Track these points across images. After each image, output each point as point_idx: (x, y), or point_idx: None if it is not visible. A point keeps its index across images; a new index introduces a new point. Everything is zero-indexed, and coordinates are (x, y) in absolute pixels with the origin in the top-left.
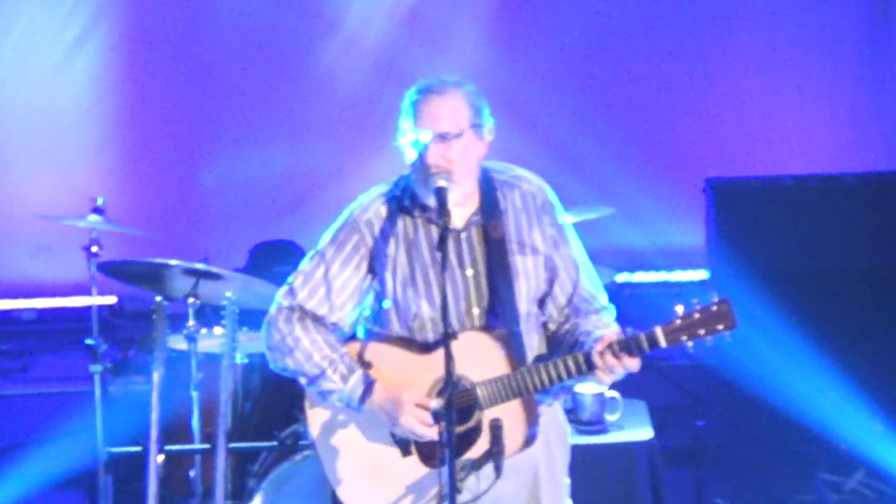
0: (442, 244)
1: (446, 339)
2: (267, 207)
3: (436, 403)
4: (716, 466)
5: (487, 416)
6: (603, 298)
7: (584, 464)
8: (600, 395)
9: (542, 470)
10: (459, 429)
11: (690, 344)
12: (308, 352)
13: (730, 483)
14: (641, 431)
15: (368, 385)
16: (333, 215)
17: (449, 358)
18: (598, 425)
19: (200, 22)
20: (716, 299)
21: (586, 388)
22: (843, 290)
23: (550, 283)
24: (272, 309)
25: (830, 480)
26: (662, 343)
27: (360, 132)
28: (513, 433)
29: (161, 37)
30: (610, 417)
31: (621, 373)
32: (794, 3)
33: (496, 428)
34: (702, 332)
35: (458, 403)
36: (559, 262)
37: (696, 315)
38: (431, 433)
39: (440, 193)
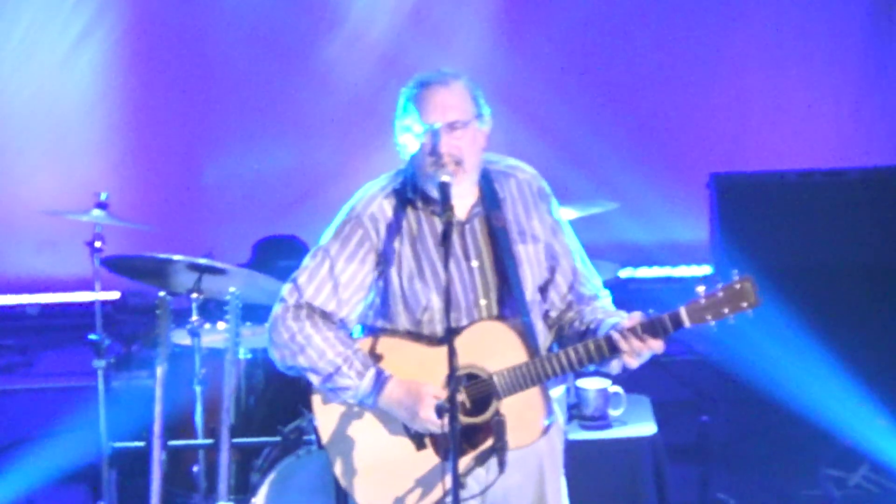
0: (446, 239)
1: (449, 333)
2: (271, 203)
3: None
4: (720, 462)
5: (505, 405)
6: (599, 283)
7: (588, 459)
8: (604, 391)
9: (546, 461)
10: (477, 420)
11: (713, 323)
12: (321, 349)
13: (734, 478)
14: (645, 427)
15: (384, 381)
16: (337, 211)
17: (452, 353)
18: (601, 421)
19: (204, 18)
20: (737, 277)
21: (590, 384)
22: (847, 286)
23: (552, 270)
24: (277, 308)
25: (834, 476)
26: (686, 323)
27: (364, 128)
28: (531, 423)
29: (165, 33)
30: (614, 413)
31: (647, 355)
32: None
33: (499, 423)
34: (726, 310)
35: (475, 394)
36: (559, 249)
37: (720, 294)
38: None
39: (444, 188)
